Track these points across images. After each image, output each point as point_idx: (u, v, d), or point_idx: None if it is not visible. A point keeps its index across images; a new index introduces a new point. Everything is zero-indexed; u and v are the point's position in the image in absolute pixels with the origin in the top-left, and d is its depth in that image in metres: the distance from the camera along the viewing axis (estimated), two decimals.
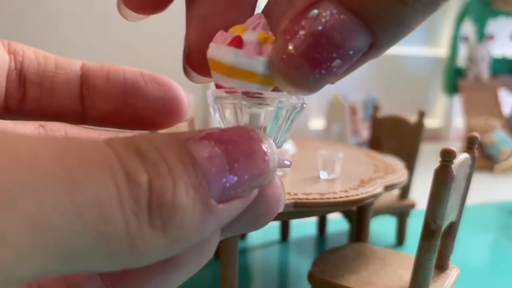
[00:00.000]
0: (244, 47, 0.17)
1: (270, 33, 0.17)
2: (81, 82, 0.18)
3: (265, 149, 0.14)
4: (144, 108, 0.18)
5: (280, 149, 0.18)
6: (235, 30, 0.17)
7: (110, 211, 0.10)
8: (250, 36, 0.17)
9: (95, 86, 0.18)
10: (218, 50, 0.17)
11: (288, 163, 0.18)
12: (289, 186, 0.76)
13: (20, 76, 0.17)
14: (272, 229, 1.32)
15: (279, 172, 0.84)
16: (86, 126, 0.19)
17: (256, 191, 0.15)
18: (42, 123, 0.18)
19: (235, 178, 0.13)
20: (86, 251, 0.10)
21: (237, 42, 0.17)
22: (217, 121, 0.18)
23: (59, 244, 0.10)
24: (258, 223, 0.16)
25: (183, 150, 0.13)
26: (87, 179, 0.10)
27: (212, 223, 0.13)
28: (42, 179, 0.10)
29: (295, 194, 0.71)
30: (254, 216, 0.16)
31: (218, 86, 0.17)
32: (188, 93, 0.19)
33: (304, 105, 0.18)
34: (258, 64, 0.16)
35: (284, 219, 1.16)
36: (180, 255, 0.14)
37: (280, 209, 0.17)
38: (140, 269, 0.13)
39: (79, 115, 0.18)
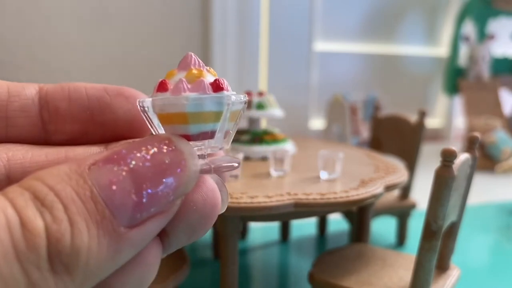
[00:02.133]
0: (170, 89, 0.16)
1: (205, 68, 0.16)
2: (40, 107, 0.17)
3: (181, 157, 0.13)
4: (113, 123, 0.17)
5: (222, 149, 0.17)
6: (167, 76, 0.16)
7: (8, 270, 0.10)
8: (179, 76, 0.16)
9: (57, 109, 0.17)
10: (146, 103, 0.16)
11: (236, 165, 0.16)
12: (289, 186, 0.75)
13: None
14: (272, 229, 1.31)
15: (276, 173, 0.83)
16: (33, 146, 0.17)
17: (178, 203, 0.14)
18: None
19: (144, 200, 0.12)
20: None
21: (162, 87, 0.16)
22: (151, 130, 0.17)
23: None
24: (195, 234, 0.15)
25: (82, 182, 0.12)
26: None
27: (126, 250, 0.12)
28: None
29: (295, 194, 0.71)
30: (188, 228, 0.15)
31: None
32: None
33: (246, 103, 0.17)
34: (184, 103, 0.15)
35: (284, 220, 1.16)
36: (113, 283, 0.13)
37: (220, 212, 0.16)
38: None
39: (43, 141, 0.17)
